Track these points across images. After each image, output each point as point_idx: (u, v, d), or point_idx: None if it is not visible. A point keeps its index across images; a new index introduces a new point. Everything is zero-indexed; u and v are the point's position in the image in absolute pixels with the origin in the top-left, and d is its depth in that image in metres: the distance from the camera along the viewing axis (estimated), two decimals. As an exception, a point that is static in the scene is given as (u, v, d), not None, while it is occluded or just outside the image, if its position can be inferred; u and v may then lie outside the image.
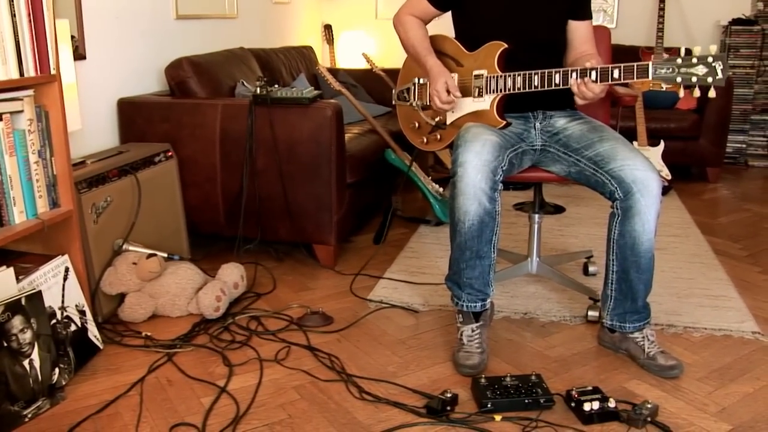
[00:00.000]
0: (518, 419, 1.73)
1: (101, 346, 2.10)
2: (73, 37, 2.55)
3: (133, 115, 2.85)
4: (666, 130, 4.22)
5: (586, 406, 1.71)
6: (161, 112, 2.81)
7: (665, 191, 3.61)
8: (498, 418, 1.73)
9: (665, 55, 1.89)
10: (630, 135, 3.58)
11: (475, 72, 2.15)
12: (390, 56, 4.94)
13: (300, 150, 2.68)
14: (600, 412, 1.71)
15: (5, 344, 1.69)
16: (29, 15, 1.86)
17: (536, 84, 2.03)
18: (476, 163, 1.91)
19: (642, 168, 1.92)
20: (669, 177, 3.94)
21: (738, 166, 4.85)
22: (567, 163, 2.11)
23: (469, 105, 2.17)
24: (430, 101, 2.24)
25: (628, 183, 1.92)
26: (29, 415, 1.74)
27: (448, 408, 1.75)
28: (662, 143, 3.98)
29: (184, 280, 2.35)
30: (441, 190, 3.36)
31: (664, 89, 1.92)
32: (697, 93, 1.89)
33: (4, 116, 1.83)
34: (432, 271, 2.79)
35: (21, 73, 1.86)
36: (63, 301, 1.96)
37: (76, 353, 1.97)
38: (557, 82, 2.00)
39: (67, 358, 1.93)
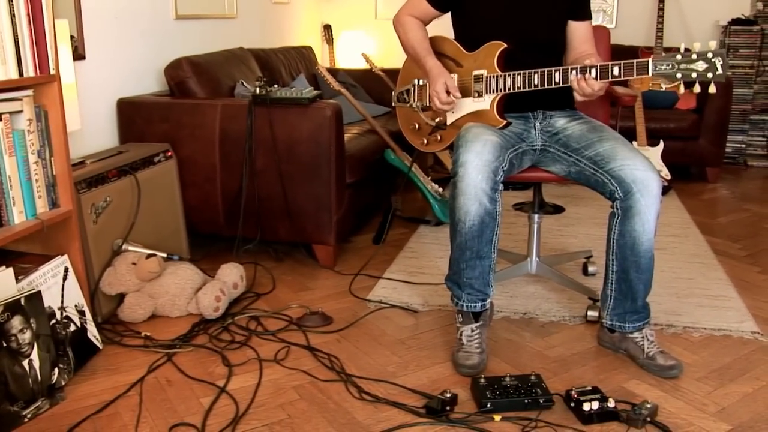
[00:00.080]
0: (518, 419, 1.73)
1: (101, 347, 2.10)
2: (72, 37, 2.55)
3: (132, 115, 2.85)
4: (665, 130, 4.22)
5: (586, 406, 1.71)
6: (161, 112, 2.81)
7: (665, 191, 3.60)
8: (497, 418, 1.73)
9: (664, 54, 1.89)
10: (629, 135, 3.58)
11: (475, 72, 2.15)
12: (389, 56, 4.95)
13: (299, 150, 2.68)
14: (599, 412, 1.71)
15: (5, 344, 1.69)
16: (29, 15, 1.86)
17: (536, 83, 2.03)
18: (477, 164, 1.91)
19: (642, 168, 1.92)
20: (668, 177, 3.94)
21: (737, 166, 4.86)
22: (567, 163, 2.11)
23: (469, 105, 2.17)
24: (429, 102, 2.24)
25: (628, 183, 1.92)
26: (29, 416, 1.74)
27: (448, 408, 1.75)
28: (662, 143, 3.98)
29: (184, 281, 2.35)
30: (440, 190, 3.36)
31: (663, 89, 1.92)
32: (697, 89, 1.89)
33: (3, 116, 1.83)
34: (431, 271, 2.79)
35: (20, 73, 1.86)
36: (62, 302, 1.96)
37: (75, 353, 1.96)
38: (557, 80, 2.00)
39: (67, 358, 1.93)
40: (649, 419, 1.70)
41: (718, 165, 4.42)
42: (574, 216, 3.57)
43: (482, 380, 1.83)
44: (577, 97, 2.03)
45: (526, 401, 1.76)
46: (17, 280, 1.82)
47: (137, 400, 1.83)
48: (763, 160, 4.87)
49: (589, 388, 1.80)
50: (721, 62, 1.81)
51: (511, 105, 2.14)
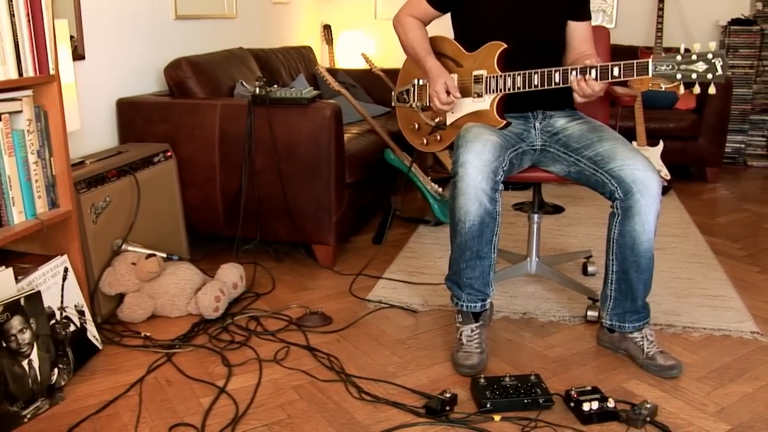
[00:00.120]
0: (517, 419, 1.73)
1: (100, 347, 2.09)
2: (72, 37, 2.55)
3: (132, 116, 2.85)
4: (665, 130, 4.22)
5: (586, 406, 1.71)
6: (160, 113, 2.81)
7: (664, 191, 3.60)
8: (497, 418, 1.73)
9: (664, 54, 1.90)
10: (629, 135, 3.58)
11: (475, 72, 2.15)
12: (389, 56, 4.95)
13: (299, 150, 2.68)
14: (599, 412, 1.71)
15: (4, 344, 1.69)
16: (28, 15, 1.86)
17: (536, 83, 2.03)
18: (477, 164, 1.91)
19: (642, 168, 1.92)
20: (668, 177, 3.94)
21: (737, 166, 4.86)
22: (567, 163, 2.11)
23: (469, 105, 2.17)
24: (429, 102, 2.24)
25: (628, 183, 1.92)
26: (28, 416, 1.74)
27: (448, 408, 1.75)
28: (661, 143, 3.98)
29: (183, 281, 2.35)
30: (440, 190, 3.36)
31: (663, 89, 1.92)
32: (697, 89, 1.89)
33: (3, 116, 1.83)
34: (431, 271, 2.78)
35: (20, 73, 1.86)
36: (62, 302, 1.96)
37: (75, 353, 1.96)
38: (557, 81, 2.00)
39: (66, 358, 1.93)
40: (648, 419, 1.70)
41: (718, 165, 4.42)
42: (573, 216, 3.57)
43: (482, 380, 1.83)
44: (578, 99, 2.03)
45: (525, 401, 1.76)
46: (17, 280, 1.82)
47: (137, 400, 1.83)
48: (762, 160, 4.87)
49: (589, 388, 1.80)
50: (721, 63, 1.81)
51: (511, 105, 2.14)
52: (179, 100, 2.88)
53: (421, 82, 2.32)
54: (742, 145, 4.81)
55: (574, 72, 1.96)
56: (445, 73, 2.16)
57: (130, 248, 2.37)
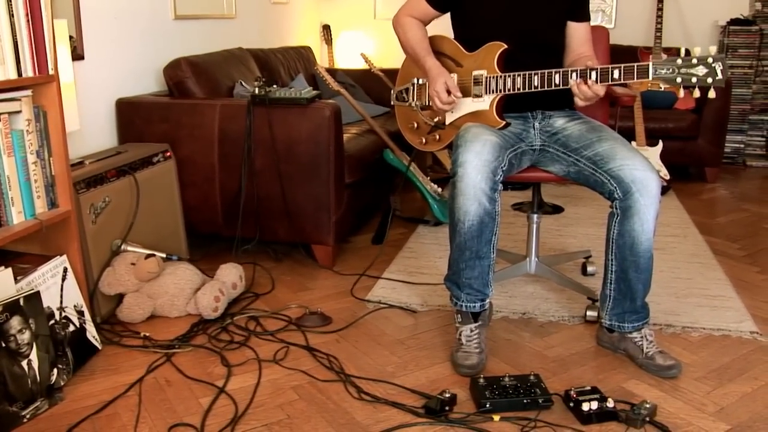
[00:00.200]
0: (517, 419, 1.73)
1: (100, 347, 2.09)
2: (71, 37, 2.55)
3: (131, 116, 2.85)
4: (664, 130, 4.23)
5: (585, 406, 1.71)
6: (160, 113, 2.81)
7: (664, 191, 3.60)
8: (496, 418, 1.73)
9: (664, 56, 1.90)
10: (628, 135, 3.59)
11: (475, 72, 2.15)
12: (389, 56, 4.94)
13: (298, 150, 2.68)
14: (598, 412, 1.71)
15: (3, 345, 1.69)
16: (27, 15, 1.86)
17: (536, 84, 2.03)
18: (476, 164, 1.91)
19: (641, 168, 1.92)
20: (667, 177, 3.94)
21: (736, 166, 4.86)
22: (566, 162, 2.11)
23: (469, 105, 2.17)
24: (429, 101, 2.24)
25: (627, 183, 1.92)
26: (28, 416, 1.74)
27: (447, 408, 1.75)
28: (660, 143, 3.98)
29: (183, 281, 2.35)
30: (439, 190, 3.36)
31: (662, 89, 1.92)
32: (696, 93, 1.89)
33: (2, 116, 1.82)
34: (430, 271, 2.78)
35: (19, 73, 1.86)
36: (61, 302, 1.96)
37: (74, 354, 1.96)
38: (557, 82, 2.00)
39: (66, 358, 1.92)
40: (648, 419, 1.71)
41: (717, 165, 4.43)
42: (573, 216, 3.57)
43: (481, 380, 1.83)
44: (578, 102, 2.02)
45: (525, 401, 1.76)
46: (16, 281, 1.82)
47: (136, 400, 1.83)
48: (761, 160, 4.87)
49: (588, 388, 1.80)
50: (721, 67, 1.81)
51: (510, 105, 2.14)
52: (179, 100, 2.88)
53: (420, 81, 2.32)
54: (742, 145, 4.82)
55: (574, 74, 1.97)
56: (445, 73, 2.16)
57: (129, 248, 2.37)
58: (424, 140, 2.36)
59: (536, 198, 2.47)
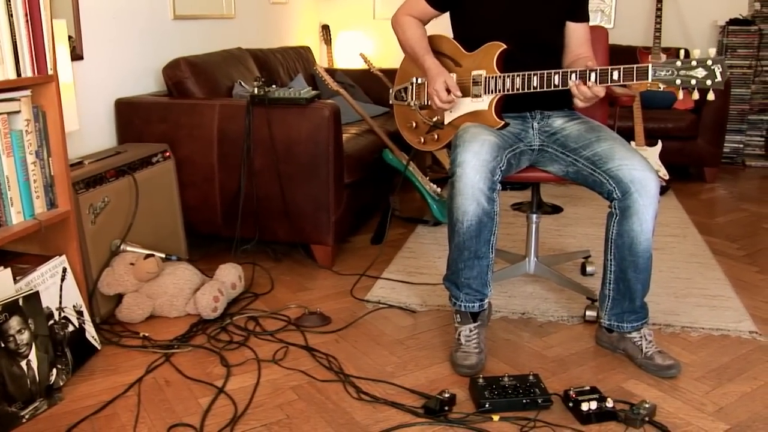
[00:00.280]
0: (516, 419, 1.73)
1: (99, 347, 2.09)
2: (70, 37, 2.55)
3: (130, 116, 2.85)
4: (663, 130, 4.23)
5: (584, 406, 1.71)
6: (159, 113, 2.81)
7: (663, 191, 3.59)
8: (496, 418, 1.73)
9: (663, 56, 1.90)
10: (628, 135, 3.59)
11: (474, 72, 2.15)
12: (388, 56, 4.95)
13: (297, 150, 2.68)
14: (598, 412, 1.71)
15: (2, 345, 1.69)
16: (26, 15, 1.86)
17: (535, 85, 2.03)
18: (475, 164, 1.91)
19: (640, 168, 1.92)
20: (666, 177, 3.94)
21: (735, 166, 4.86)
22: (565, 163, 2.11)
23: (468, 105, 2.17)
24: (429, 101, 2.24)
25: (626, 183, 1.92)
26: (27, 416, 1.74)
27: (446, 408, 1.76)
28: (660, 143, 3.98)
29: (182, 281, 2.35)
30: (439, 190, 3.36)
31: (661, 89, 1.92)
32: (696, 95, 1.89)
33: (1, 117, 1.82)
34: (430, 271, 2.79)
35: (18, 74, 1.86)
36: (60, 302, 1.96)
37: (73, 354, 1.96)
38: (556, 83, 2.00)
39: (65, 358, 1.92)
40: (647, 419, 1.71)
41: (716, 165, 4.43)
42: (572, 216, 3.57)
43: (480, 380, 1.83)
44: (578, 104, 2.02)
45: (524, 401, 1.76)
46: (15, 281, 1.82)
47: (135, 400, 1.83)
48: (761, 159, 4.87)
49: (588, 388, 1.80)
50: (720, 70, 1.81)
51: (509, 105, 2.14)
52: (178, 101, 2.88)
53: (419, 81, 2.32)
54: (741, 145, 4.82)
55: (573, 75, 1.97)
56: (444, 72, 2.16)
57: (128, 248, 2.37)
58: (422, 140, 2.35)
59: (535, 198, 2.47)
